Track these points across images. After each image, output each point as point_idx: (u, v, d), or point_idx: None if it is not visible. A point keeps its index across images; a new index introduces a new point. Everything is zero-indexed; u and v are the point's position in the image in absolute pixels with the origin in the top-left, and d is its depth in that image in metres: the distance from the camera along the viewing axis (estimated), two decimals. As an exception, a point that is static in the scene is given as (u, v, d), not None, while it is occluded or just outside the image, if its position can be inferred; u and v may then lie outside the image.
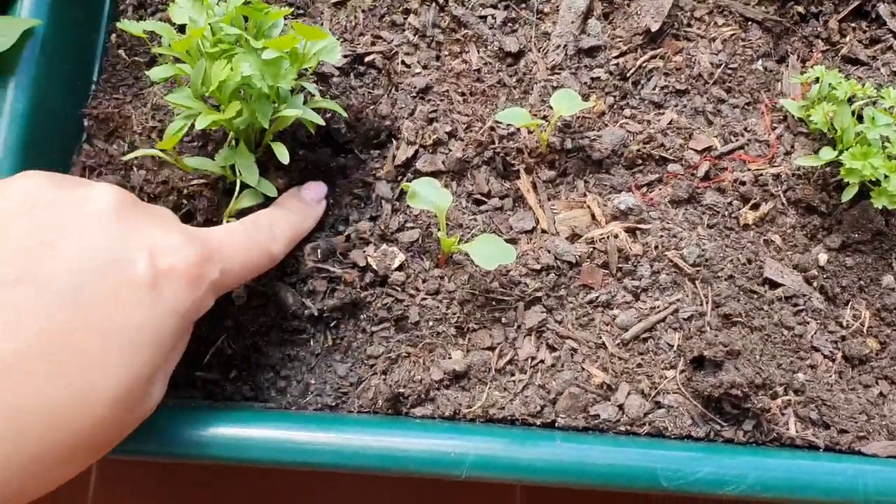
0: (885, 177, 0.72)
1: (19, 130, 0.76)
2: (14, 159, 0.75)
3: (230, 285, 0.66)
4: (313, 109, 0.73)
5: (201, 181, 0.79)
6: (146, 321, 0.56)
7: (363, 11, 0.86)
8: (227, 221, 0.74)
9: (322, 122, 0.73)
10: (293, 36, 0.67)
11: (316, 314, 0.75)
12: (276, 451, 0.68)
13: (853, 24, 0.87)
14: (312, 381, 0.75)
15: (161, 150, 0.72)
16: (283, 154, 0.71)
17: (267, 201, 0.76)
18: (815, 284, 0.77)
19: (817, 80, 0.79)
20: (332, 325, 0.76)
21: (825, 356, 0.74)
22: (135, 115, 0.82)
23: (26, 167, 0.75)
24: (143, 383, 0.57)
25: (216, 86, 0.66)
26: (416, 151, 0.80)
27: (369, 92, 0.83)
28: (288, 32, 0.70)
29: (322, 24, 0.85)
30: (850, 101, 0.79)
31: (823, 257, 0.77)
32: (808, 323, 0.75)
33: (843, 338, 0.75)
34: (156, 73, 0.72)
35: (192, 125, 0.68)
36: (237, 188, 0.74)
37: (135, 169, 0.80)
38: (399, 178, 0.80)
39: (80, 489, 0.92)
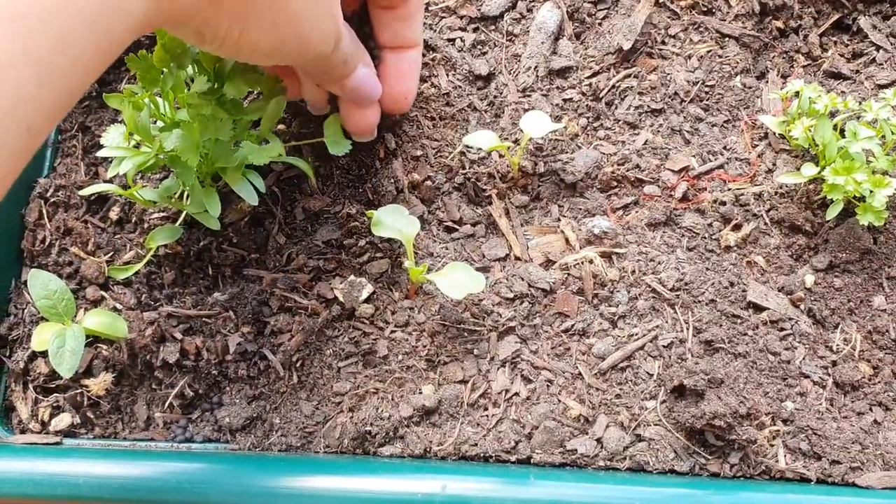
0: (870, 192, 0.69)
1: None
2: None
3: None
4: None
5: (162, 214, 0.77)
6: None
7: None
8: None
9: (255, 202, 0.72)
10: None
11: (282, 371, 0.72)
12: (236, 495, 0.65)
13: (834, 38, 0.85)
14: (277, 421, 0.72)
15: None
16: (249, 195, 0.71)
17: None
18: (802, 307, 0.73)
19: (797, 94, 0.76)
20: (297, 362, 0.73)
21: (815, 383, 0.71)
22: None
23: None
24: None
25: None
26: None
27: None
28: None
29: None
30: (833, 115, 0.76)
31: (810, 278, 0.74)
32: (795, 348, 0.71)
33: (834, 363, 0.71)
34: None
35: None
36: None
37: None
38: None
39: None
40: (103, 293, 0.77)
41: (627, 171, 0.77)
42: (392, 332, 0.73)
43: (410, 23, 0.72)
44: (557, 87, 0.81)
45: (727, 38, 0.82)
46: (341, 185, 0.79)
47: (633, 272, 0.73)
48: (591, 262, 0.73)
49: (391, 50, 0.73)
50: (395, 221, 0.71)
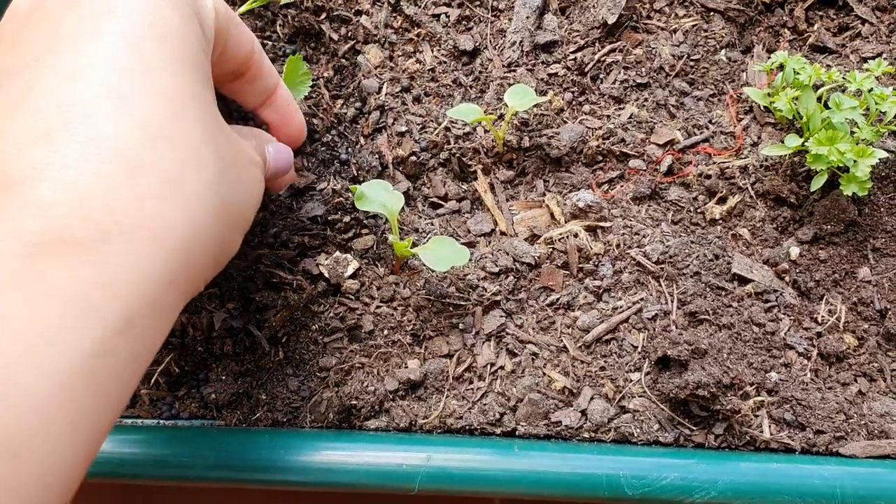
0: (854, 162, 0.69)
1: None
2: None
3: None
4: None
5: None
6: None
7: (311, 12, 0.83)
8: None
9: None
10: None
11: (267, 347, 0.72)
12: (222, 469, 0.65)
13: (820, 12, 0.84)
14: (263, 397, 0.72)
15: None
16: None
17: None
18: (787, 279, 0.73)
19: (782, 67, 0.76)
20: (283, 338, 0.73)
21: (800, 354, 0.71)
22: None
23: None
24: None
25: None
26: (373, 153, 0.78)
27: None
28: None
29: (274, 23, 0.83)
30: (817, 88, 0.76)
31: (795, 250, 0.74)
32: (780, 319, 0.72)
33: (819, 334, 0.71)
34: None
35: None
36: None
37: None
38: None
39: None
40: (88, 271, 0.76)
41: (612, 145, 0.77)
42: (377, 307, 0.73)
43: (261, 73, 0.66)
44: (542, 62, 0.81)
45: (712, 13, 0.82)
46: (326, 161, 0.79)
47: (618, 246, 0.73)
48: (575, 235, 0.73)
49: (263, 107, 0.69)
50: (378, 195, 0.71)
